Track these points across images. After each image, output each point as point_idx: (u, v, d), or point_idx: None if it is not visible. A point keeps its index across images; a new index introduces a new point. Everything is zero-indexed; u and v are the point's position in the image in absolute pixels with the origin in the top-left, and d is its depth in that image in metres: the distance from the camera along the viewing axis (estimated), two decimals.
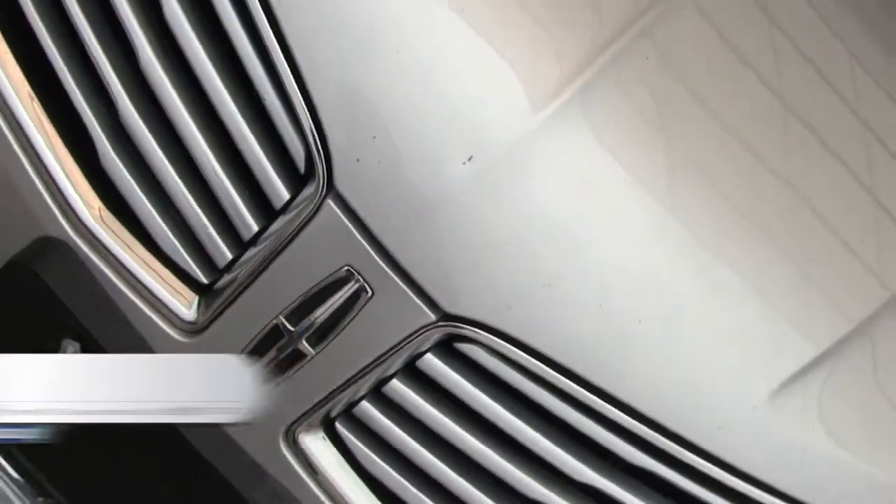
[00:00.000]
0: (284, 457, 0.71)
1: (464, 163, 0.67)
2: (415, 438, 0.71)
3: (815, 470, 0.80)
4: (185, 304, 0.70)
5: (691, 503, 0.76)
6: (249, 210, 0.68)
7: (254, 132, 0.67)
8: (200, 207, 0.69)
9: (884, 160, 0.94)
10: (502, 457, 0.71)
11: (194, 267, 0.70)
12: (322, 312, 0.68)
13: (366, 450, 0.72)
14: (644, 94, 0.79)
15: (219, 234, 0.69)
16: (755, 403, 0.76)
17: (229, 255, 0.69)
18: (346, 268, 0.67)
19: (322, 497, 0.72)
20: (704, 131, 0.85)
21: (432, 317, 0.68)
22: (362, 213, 0.67)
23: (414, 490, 0.73)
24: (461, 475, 0.72)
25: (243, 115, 0.67)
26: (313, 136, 0.66)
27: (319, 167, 0.66)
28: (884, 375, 0.88)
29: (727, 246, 0.79)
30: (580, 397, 0.70)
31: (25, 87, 0.70)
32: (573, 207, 0.71)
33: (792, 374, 0.78)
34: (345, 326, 0.68)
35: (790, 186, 0.89)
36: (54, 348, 0.69)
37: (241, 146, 0.68)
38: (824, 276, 0.85)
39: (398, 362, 0.70)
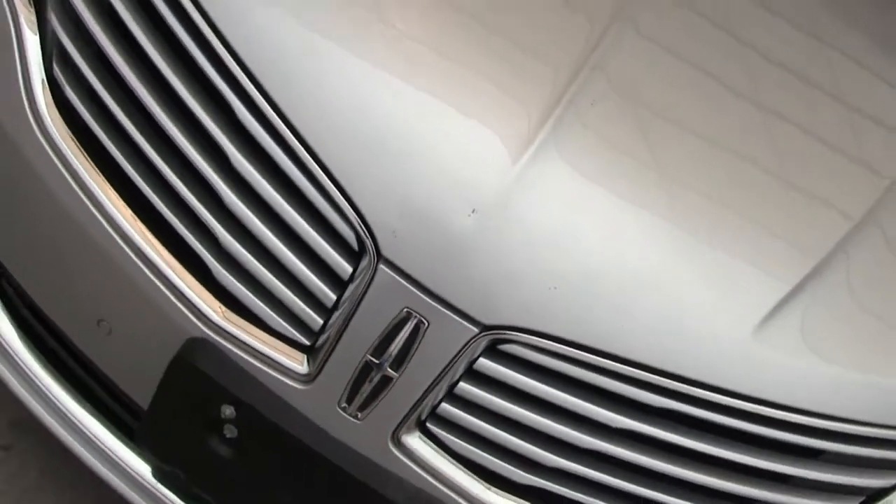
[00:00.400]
0: (395, 455, 0.95)
1: (469, 215, 0.90)
2: (486, 422, 0.95)
3: (813, 382, 0.99)
4: (298, 363, 0.94)
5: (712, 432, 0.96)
6: (327, 286, 0.93)
7: (316, 230, 0.92)
8: (292, 292, 0.94)
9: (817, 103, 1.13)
10: (547, 419, 0.94)
11: (297, 335, 0.94)
12: (396, 345, 0.91)
13: (452, 438, 0.95)
14: (603, 122, 1.01)
15: (310, 308, 0.94)
16: (744, 331, 0.96)
17: (320, 321, 0.94)
18: (405, 309, 0.91)
19: (429, 478, 0.96)
20: (662, 133, 1.06)
21: (475, 330, 0.91)
22: (407, 269, 0.91)
23: (496, 460, 0.96)
24: (524, 441, 0.95)
25: (308, 222, 0.92)
26: (359, 224, 0.90)
27: (369, 245, 0.90)
28: (860, 293, 1.06)
29: (703, 224, 1.00)
30: (597, 363, 0.92)
31: (149, 235, 0.97)
32: (562, 228, 0.94)
33: (771, 308, 0.98)
34: (415, 352, 0.91)
35: (752, 162, 1.09)
36: (217, 415, 0.95)
37: (311, 243, 0.93)
38: (785, 222, 1.05)
39: (460, 368, 0.93)
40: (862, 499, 1.05)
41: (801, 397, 0.97)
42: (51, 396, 1.10)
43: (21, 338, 1.11)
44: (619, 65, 1.05)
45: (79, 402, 1.09)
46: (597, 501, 0.96)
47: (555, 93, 0.99)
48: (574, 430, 0.95)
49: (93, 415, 1.09)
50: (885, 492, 1.06)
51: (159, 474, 1.05)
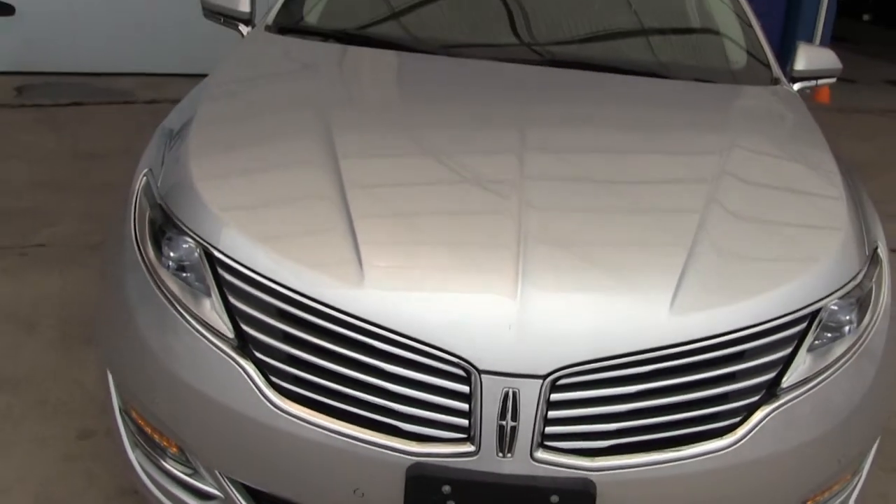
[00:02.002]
0: (538, 464, 1.73)
1: (509, 328, 1.74)
2: (574, 425, 1.75)
3: (715, 319, 1.83)
4: (468, 447, 1.72)
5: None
6: (461, 402, 1.73)
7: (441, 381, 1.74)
8: (447, 414, 1.74)
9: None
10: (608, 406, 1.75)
11: (463, 435, 1.73)
12: (508, 410, 1.72)
13: (557, 443, 1.74)
14: (548, 247, 1.88)
15: (462, 418, 1.73)
16: (664, 312, 1.80)
17: (466, 422, 1.73)
18: (503, 390, 1.72)
19: (557, 470, 1.73)
20: (579, 232, 1.94)
21: (540, 380, 1.72)
22: (494, 369, 1.72)
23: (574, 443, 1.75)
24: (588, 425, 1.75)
25: (436, 377, 1.75)
26: (465, 363, 1.72)
27: (472, 371, 1.72)
28: (725, 252, 1.93)
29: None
30: (601, 366, 1.75)
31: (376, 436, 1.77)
32: (550, 321, 1.79)
33: (675, 286, 1.83)
34: (519, 407, 1.72)
35: (625, 211, 2.00)
36: (441, 494, 1.71)
37: (443, 387, 1.75)
38: (659, 232, 1.96)
39: (545, 402, 1.73)
40: (771, 376, 1.87)
41: (711, 328, 1.81)
42: None
43: None
44: (537, 188, 1.99)
45: None
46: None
47: (513, 252, 1.86)
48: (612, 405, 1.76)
49: None
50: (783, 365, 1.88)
51: None
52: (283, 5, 3.18)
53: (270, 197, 2.04)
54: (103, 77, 6.95)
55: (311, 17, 3.17)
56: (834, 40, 10.16)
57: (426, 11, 3.19)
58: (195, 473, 1.96)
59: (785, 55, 3.34)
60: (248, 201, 2.01)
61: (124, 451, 2.11)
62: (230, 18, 3.21)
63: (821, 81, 3.25)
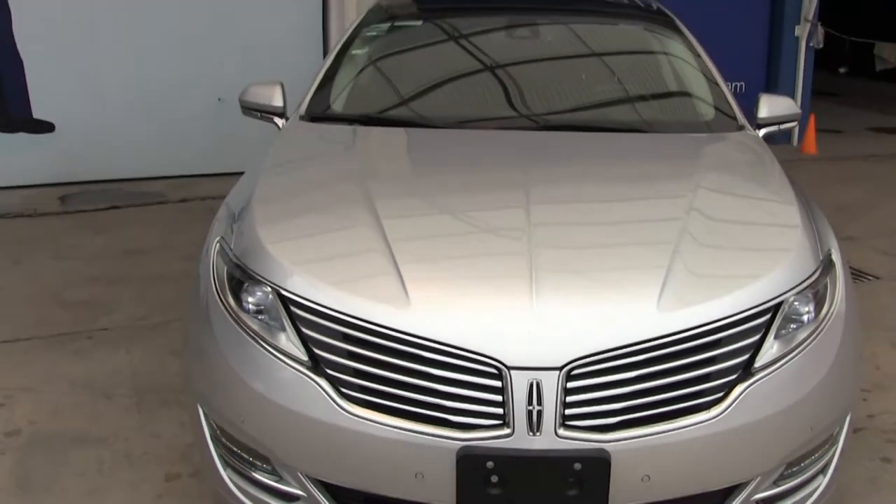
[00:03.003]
0: (562, 440, 2.14)
1: (528, 332, 2.18)
2: (589, 405, 2.17)
3: (699, 314, 2.27)
4: (505, 430, 2.14)
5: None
6: (495, 394, 2.16)
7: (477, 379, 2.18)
8: (486, 406, 2.17)
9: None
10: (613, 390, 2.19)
11: (499, 421, 2.16)
12: (534, 398, 2.14)
13: (577, 422, 2.17)
14: (555, 257, 2.33)
15: (497, 408, 2.16)
16: (653, 308, 2.24)
17: (501, 410, 2.16)
18: (530, 381, 2.15)
19: (578, 442, 2.14)
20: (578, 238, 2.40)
21: (557, 370, 2.16)
22: (521, 365, 2.16)
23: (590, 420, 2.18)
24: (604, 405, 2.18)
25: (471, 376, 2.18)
26: (497, 363, 2.16)
27: (503, 368, 2.16)
28: (705, 251, 2.40)
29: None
30: (608, 355, 2.18)
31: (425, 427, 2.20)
32: (559, 317, 2.23)
33: (661, 288, 2.28)
34: (544, 394, 2.15)
35: (615, 224, 2.47)
36: (485, 471, 2.12)
37: (478, 386, 2.18)
38: (647, 235, 2.45)
39: (563, 389, 2.16)
40: (745, 358, 2.29)
41: (691, 321, 2.25)
42: None
43: None
44: (542, 230, 2.44)
45: None
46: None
47: (527, 278, 2.31)
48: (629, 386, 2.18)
49: None
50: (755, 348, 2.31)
51: None
52: (312, 98, 3.72)
53: (327, 250, 2.54)
54: (136, 182, 7.52)
55: (337, 106, 3.71)
56: (817, 94, 10.76)
57: (434, 93, 3.72)
58: (280, 479, 2.37)
59: None
60: (310, 256, 2.51)
61: (217, 473, 2.52)
62: (266, 113, 3.73)
63: (783, 126, 3.73)
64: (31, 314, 4.64)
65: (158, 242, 5.92)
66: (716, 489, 2.28)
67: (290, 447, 2.30)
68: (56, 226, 6.35)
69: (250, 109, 3.80)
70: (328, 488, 2.32)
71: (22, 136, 7.29)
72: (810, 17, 9.26)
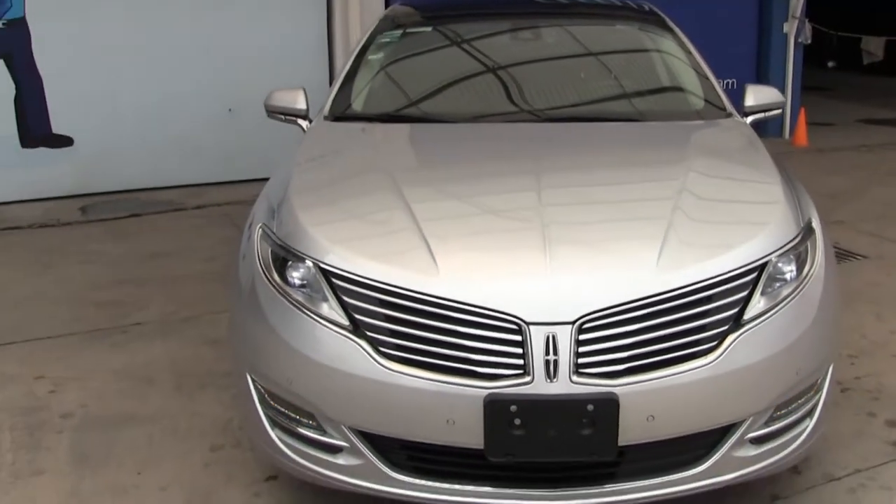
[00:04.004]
0: (576, 385, 2.43)
1: (546, 293, 2.48)
2: (603, 354, 2.47)
3: (693, 273, 2.57)
4: (525, 377, 2.44)
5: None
6: (517, 348, 2.45)
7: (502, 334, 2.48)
8: (509, 358, 2.46)
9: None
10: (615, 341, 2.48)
11: (520, 371, 2.46)
12: (550, 348, 2.44)
13: (588, 370, 2.46)
14: (566, 227, 2.63)
15: (519, 359, 2.45)
16: (653, 269, 2.55)
17: (521, 361, 2.46)
18: (547, 335, 2.44)
19: (591, 388, 2.44)
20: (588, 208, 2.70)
21: (570, 323, 2.45)
22: (539, 320, 2.45)
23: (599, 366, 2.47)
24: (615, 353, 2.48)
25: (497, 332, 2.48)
26: (519, 320, 2.46)
27: (523, 324, 2.45)
28: (696, 220, 2.72)
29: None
30: (618, 310, 2.48)
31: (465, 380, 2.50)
32: (570, 276, 2.53)
33: (659, 251, 2.58)
34: (558, 344, 2.45)
35: (618, 198, 2.79)
36: (509, 413, 2.42)
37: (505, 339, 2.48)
38: (645, 209, 2.76)
39: (576, 339, 2.46)
40: (735, 311, 2.59)
41: (686, 279, 2.54)
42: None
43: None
44: (552, 204, 2.75)
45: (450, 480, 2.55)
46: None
47: (542, 247, 2.61)
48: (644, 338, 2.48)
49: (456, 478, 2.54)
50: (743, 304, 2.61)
51: (497, 460, 2.47)
52: (334, 100, 4.04)
53: (363, 230, 2.88)
54: (152, 191, 7.82)
55: (357, 106, 4.03)
56: (808, 90, 11.08)
57: (446, 92, 4.04)
58: (325, 433, 2.66)
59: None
60: (348, 235, 2.83)
61: (266, 433, 2.81)
62: (291, 115, 4.05)
63: (769, 113, 4.03)
64: (66, 313, 4.93)
65: (179, 246, 6.21)
66: (713, 428, 2.57)
67: (335, 402, 2.59)
68: (79, 234, 6.65)
69: (275, 113, 4.11)
70: (368, 438, 2.61)
71: (42, 151, 7.60)
72: (798, 13, 9.58)
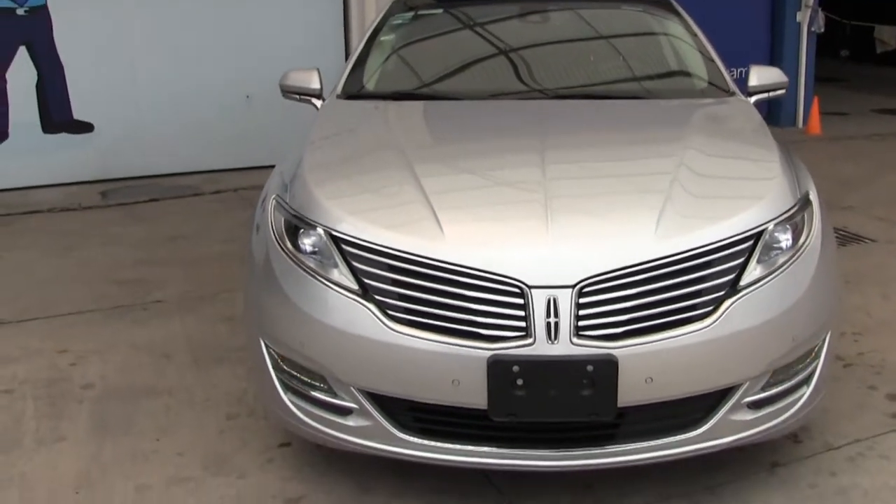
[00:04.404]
0: (576, 346, 2.53)
1: (549, 258, 2.57)
2: (607, 317, 2.55)
3: (689, 240, 2.66)
4: (528, 339, 2.52)
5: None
6: (519, 311, 2.55)
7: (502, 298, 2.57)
8: (511, 321, 2.55)
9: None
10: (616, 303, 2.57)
11: (521, 333, 2.54)
12: (551, 310, 2.53)
13: (589, 332, 2.55)
14: (567, 198, 2.72)
15: (520, 321, 2.54)
16: (651, 236, 2.63)
17: (524, 323, 2.55)
18: (548, 298, 2.53)
19: (591, 350, 2.53)
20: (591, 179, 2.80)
21: (570, 287, 2.54)
22: (539, 284, 2.54)
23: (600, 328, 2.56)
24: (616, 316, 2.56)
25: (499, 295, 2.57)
26: (521, 283, 2.55)
27: (525, 287, 2.54)
28: (692, 193, 2.81)
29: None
30: (623, 273, 2.56)
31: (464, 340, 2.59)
32: (571, 239, 2.62)
33: (657, 219, 2.67)
34: (560, 308, 2.54)
35: (619, 171, 2.88)
36: (511, 374, 2.51)
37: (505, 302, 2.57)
38: (646, 182, 2.86)
39: (575, 303, 2.54)
40: (732, 277, 2.67)
41: (683, 245, 2.63)
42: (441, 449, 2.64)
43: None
44: (556, 178, 2.84)
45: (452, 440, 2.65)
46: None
47: (544, 215, 2.70)
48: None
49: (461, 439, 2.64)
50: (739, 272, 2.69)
51: (500, 421, 2.56)
52: (347, 79, 4.15)
53: (373, 201, 2.98)
54: (171, 177, 7.95)
55: (370, 85, 4.15)
56: (822, 80, 11.10)
57: (457, 71, 4.14)
58: (335, 395, 2.76)
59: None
60: (359, 205, 2.93)
61: (279, 397, 2.92)
62: (305, 95, 4.15)
63: (772, 94, 4.10)
64: (88, 292, 5.06)
65: (198, 229, 6.33)
66: (710, 391, 2.65)
67: (345, 364, 2.69)
68: (100, 217, 6.78)
69: (290, 92, 4.22)
70: (377, 400, 2.71)
71: (63, 137, 7.74)
72: (810, 2, 9.61)
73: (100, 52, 7.67)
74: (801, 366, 2.85)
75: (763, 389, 2.75)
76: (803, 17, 9.67)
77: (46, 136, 7.69)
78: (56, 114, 7.70)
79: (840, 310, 3.09)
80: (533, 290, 2.55)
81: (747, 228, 2.74)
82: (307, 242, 2.83)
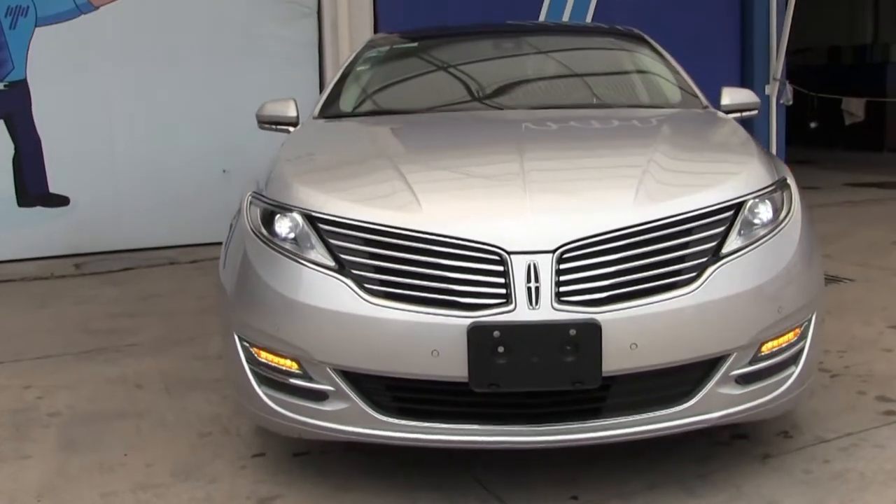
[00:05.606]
0: (558, 312, 2.46)
1: (528, 228, 2.53)
2: (588, 282, 2.50)
3: (665, 208, 2.63)
4: (508, 305, 2.46)
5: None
6: (499, 278, 2.50)
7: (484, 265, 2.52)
8: (491, 288, 2.50)
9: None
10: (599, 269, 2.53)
11: (501, 300, 2.49)
12: (532, 275, 2.48)
13: (571, 297, 2.50)
14: (543, 180, 2.70)
15: (500, 288, 2.49)
16: (630, 203, 2.61)
17: (504, 291, 2.49)
18: (529, 263, 2.48)
19: (572, 314, 2.46)
20: (570, 162, 2.77)
21: (550, 252, 2.50)
22: (519, 249, 2.50)
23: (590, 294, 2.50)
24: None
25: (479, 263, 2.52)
26: (501, 251, 2.51)
27: (505, 254, 2.50)
28: (667, 168, 2.79)
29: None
30: (610, 237, 2.53)
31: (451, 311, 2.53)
32: (547, 212, 2.58)
33: (636, 189, 2.64)
34: (540, 272, 2.49)
35: (600, 152, 2.87)
36: (492, 340, 2.44)
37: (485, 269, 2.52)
38: (624, 160, 2.85)
39: (555, 268, 2.49)
40: (713, 244, 2.64)
41: (659, 213, 2.60)
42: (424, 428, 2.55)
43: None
44: (534, 169, 2.81)
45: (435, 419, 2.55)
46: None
47: (521, 185, 2.68)
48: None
49: (443, 417, 2.55)
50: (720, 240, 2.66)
51: (482, 390, 2.47)
52: (324, 103, 4.17)
53: (349, 182, 3.00)
54: (147, 251, 7.88)
55: (346, 106, 4.16)
56: (796, 163, 11.25)
57: (431, 93, 4.18)
58: (311, 380, 2.67)
59: None
60: (334, 185, 2.94)
61: (254, 391, 2.82)
62: (282, 124, 4.15)
63: (744, 113, 4.15)
64: (60, 340, 4.94)
65: (174, 289, 6.25)
66: (697, 360, 2.58)
67: (321, 342, 2.61)
68: (74, 283, 6.68)
69: (267, 123, 4.21)
70: (354, 381, 2.62)
71: (39, 210, 7.69)
72: (778, 76, 9.83)
73: (78, 126, 7.68)
74: (788, 343, 2.79)
75: (751, 363, 2.68)
76: (772, 90, 9.88)
77: (21, 209, 7.64)
78: (31, 187, 7.66)
79: (823, 300, 3.04)
80: (513, 256, 2.50)
81: (726, 199, 2.73)
82: (284, 226, 2.79)
